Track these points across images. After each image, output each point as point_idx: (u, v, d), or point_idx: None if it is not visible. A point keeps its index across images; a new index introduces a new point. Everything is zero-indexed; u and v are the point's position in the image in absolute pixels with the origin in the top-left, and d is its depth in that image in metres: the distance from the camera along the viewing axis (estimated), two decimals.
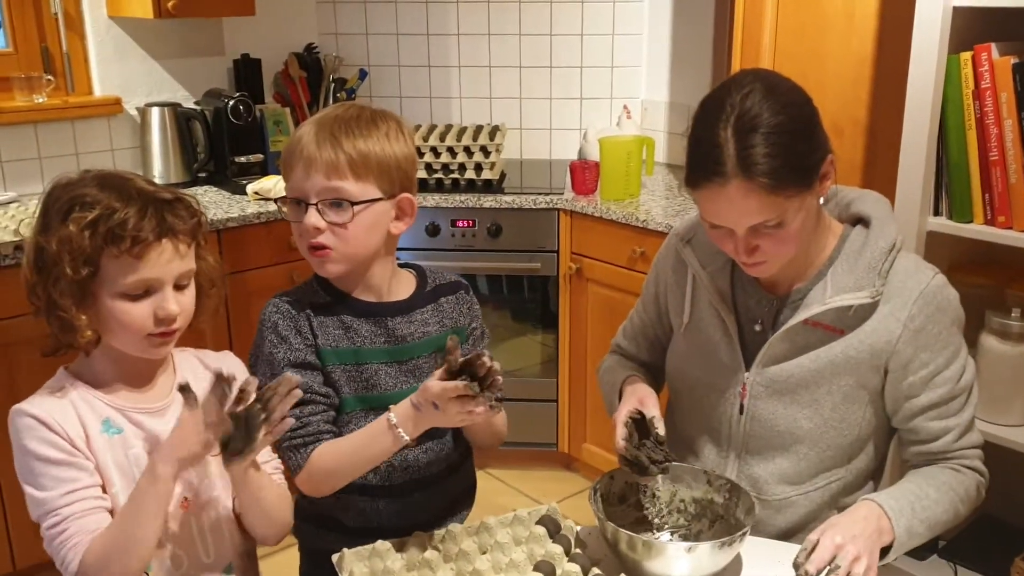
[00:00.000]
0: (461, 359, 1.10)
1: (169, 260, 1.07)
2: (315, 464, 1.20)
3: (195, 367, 1.20)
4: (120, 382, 1.12)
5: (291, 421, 1.07)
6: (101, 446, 1.08)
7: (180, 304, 1.09)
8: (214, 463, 1.15)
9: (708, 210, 1.17)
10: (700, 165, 1.15)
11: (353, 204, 1.20)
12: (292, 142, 1.24)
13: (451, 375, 1.11)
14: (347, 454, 1.21)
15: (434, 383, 1.12)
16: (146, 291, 1.07)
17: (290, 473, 1.23)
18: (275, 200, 1.25)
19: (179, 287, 1.10)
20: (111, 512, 1.07)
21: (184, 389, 1.03)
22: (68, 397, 1.09)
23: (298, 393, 1.05)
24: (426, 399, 1.13)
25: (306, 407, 1.21)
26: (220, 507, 1.17)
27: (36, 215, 1.09)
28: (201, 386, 1.15)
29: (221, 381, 1.02)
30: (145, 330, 1.07)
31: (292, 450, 1.21)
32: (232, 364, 1.22)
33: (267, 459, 1.20)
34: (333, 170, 1.19)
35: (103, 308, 1.06)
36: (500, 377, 1.10)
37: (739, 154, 1.11)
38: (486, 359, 1.09)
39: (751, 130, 1.11)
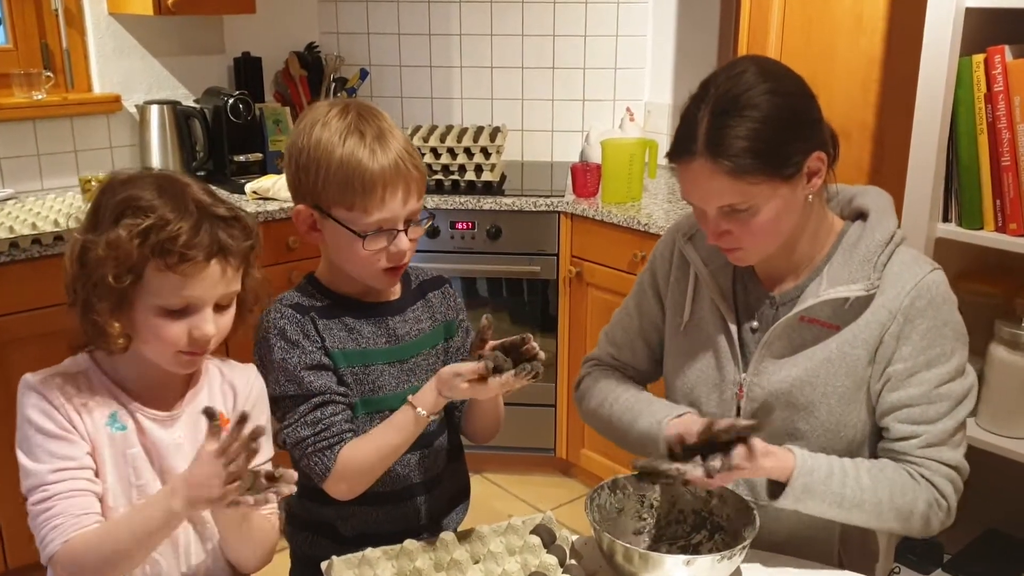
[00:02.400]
0: (506, 340, 1.14)
1: (215, 283, 1.03)
2: (346, 464, 1.18)
3: (212, 377, 1.16)
4: (140, 380, 1.09)
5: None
6: (102, 439, 1.06)
7: (217, 326, 1.05)
8: None
9: (682, 185, 1.19)
10: (676, 140, 1.17)
11: (433, 216, 1.21)
12: (353, 166, 1.14)
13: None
14: (374, 448, 1.19)
15: (446, 368, 1.15)
16: (185, 308, 1.03)
17: (315, 480, 1.19)
18: (361, 235, 1.18)
19: (219, 307, 1.06)
20: (100, 499, 1.04)
21: (209, 415, 0.97)
22: (81, 380, 1.07)
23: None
24: (446, 384, 1.15)
25: (327, 408, 1.19)
26: (207, 524, 1.13)
27: (88, 208, 1.06)
28: (216, 401, 1.13)
29: (243, 423, 0.95)
30: (176, 347, 1.04)
31: (318, 453, 1.18)
32: (254, 381, 1.18)
33: None
34: (421, 187, 1.20)
35: (138, 318, 1.03)
36: (540, 360, 1.15)
37: (708, 133, 1.11)
38: (532, 344, 1.14)
39: (725, 112, 1.11)
